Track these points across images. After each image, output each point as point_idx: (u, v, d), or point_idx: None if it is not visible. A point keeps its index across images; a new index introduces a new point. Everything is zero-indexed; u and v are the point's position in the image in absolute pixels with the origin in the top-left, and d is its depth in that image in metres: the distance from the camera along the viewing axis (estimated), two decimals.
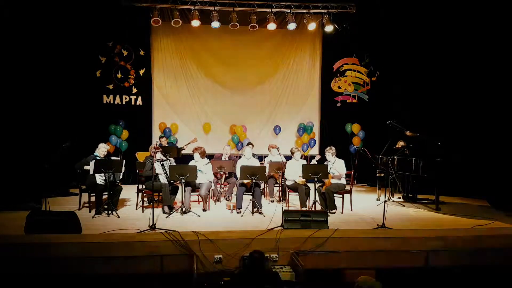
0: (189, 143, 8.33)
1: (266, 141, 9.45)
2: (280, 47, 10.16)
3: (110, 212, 5.99)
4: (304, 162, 6.90)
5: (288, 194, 6.86)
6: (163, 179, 6.29)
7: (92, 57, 9.18)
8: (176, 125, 9.84)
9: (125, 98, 9.59)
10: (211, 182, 6.71)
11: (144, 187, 6.50)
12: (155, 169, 5.94)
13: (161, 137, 8.47)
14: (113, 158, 6.72)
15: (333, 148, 6.66)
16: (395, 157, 7.27)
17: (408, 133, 7.24)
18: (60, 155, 5.93)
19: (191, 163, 6.57)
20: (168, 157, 6.63)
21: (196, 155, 6.64)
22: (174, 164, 6.68)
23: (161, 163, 6.33)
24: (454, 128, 8.00)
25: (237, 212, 6.30)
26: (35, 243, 4.37)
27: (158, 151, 6.29)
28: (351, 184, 6.80)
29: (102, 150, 6.34)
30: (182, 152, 8.32)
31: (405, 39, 8.99)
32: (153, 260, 4.45)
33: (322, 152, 8.05)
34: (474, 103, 7.86)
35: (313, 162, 6.99)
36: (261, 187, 7.10)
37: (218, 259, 4.51)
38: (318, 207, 6.25)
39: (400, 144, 7.72)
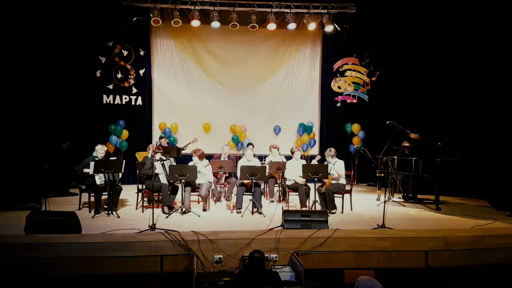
0: (189, 143, 8.34)
1: (266, 141, 9.45)
2: (280, 47, 10.17)
3: (110, 212, 5.99)
4: (304, 162, 6.90)
5: (288, 194, 6.86)
6: (163, 179, 6.28)
7: (92, 57, 9.18)
8: (176, 125, 9.84)
9: (125, 98, 9.59)
10: (211, 182, 6.71)
11: (144, 187, 6.50)
12: (155, 168, 5.93)
13: (161, 137, 8.47)
14: (111, 158, 6.72)
15: (332, 149, 6.64)
16: (395, 157, 7.27)
17: (412, 135, 7.23)
18: (60, 155, 5.93)
19: (190, 164, 6.56)
20: (168, 157, 6.63)
21: (195, 158, 6.63)
22: (175, 164, 6.67)
23: (162, 162, 6.33)
24: (454, 128, 8.00)
25: (237, 212, 6.30)
26: (35, 243, 4.37)
27: (158, 152, 6.28)
28: (351, 184, 6.80)
29: (99, 152, 6.33)
30: (182, 152, 8.32)
31: (405, 39, 9.00)
32: (153, 260, 4.45)
33: (322, 152, 8.05)
34: (474, 103, 7.85)
35: (314, 162, 6.98)
36: (261, 187, 7.10)
37: (218, 259, 4.52)
38: (318, 207, 6.25)
39: (405, 143, 7.67)
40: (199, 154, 6.66)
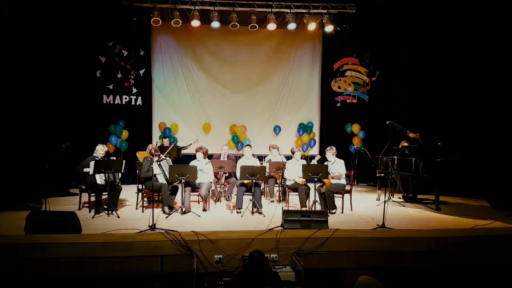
0: (190, 144, 8.33)
1: (266, 141, 9.45)
2: (280, 47, 10.17)
3: (110, 212, 5.99)
4: (304, 162, 6.90)
5: (288, 194, 6.86)
6: (161, 179, 6.28)
7: (92, 57, 9.18)
8: (176, 125, 9.84)
9: (125, 98, 9.59)
10: (211, 182, 6.71)
11: (144, 187, 6.50)
12: (153, 169, 5.93)
13: (163, 138, 8.46)
14: (111, 158, 6.71)
15: (333, 148, 6.66)
16: (395, 157, 7.27)
17: (411, 134, 7.23)
18: (60, 155, 5.92)
19: (192, 162, 6.56)
20: (167, 156, 6.62)
21: (199, 154, 6.63)
22: (171, 164, 6.66)
23: (158, 163, 6.31)
24: (454, 128, 8.00)
25: (237, 212, 6.30)
26: (35, 243, 4.36)
27: (157, 154, 6.26)
28: (351, 184, 6.80)
29: (100, 152, 6.32)
30: (183, 152, 8.31)
31: (405, 39, 9.00)
32: (153, 260, 4.45)
33: (322, 152, 8.05)
34: (474, 103, 7.86)
35: (313, 162, 6.99)
36: (261, 187, 7.10)
37: (218, 259, 4.51)
38: (318, 207, 6.25)
39: (403, 143, 7.68)
40: (204, 151, 6.67)
